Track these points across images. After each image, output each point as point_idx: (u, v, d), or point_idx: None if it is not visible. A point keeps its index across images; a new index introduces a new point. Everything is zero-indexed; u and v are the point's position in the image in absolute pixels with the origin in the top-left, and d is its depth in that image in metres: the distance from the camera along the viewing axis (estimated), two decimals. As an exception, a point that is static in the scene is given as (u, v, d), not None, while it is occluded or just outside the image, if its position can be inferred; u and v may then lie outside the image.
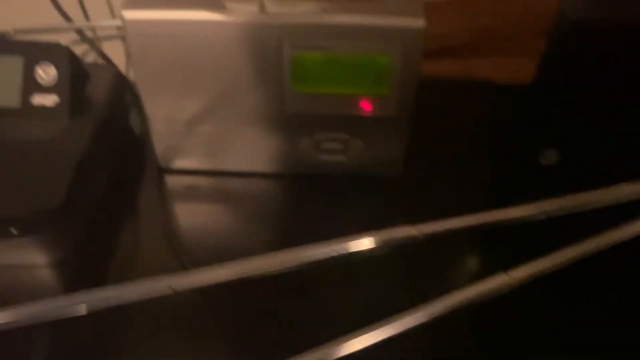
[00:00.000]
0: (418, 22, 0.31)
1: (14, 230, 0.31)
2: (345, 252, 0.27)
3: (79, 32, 0.41)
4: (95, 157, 0.36)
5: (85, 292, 0.26)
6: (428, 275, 0.32)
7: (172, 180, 0.39)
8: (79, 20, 0.45)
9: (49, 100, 0.36)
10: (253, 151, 0.38)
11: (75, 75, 0.36)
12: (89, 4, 0.47)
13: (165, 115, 0.36)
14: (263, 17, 0.32)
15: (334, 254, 0.27)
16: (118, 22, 0.37)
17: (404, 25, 0.31)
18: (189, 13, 0.32)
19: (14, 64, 0.36)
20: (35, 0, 0.43)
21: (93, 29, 0.44)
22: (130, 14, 0.32)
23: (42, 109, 0.36)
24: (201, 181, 0.39)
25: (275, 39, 0.32)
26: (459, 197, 0.37)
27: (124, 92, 0.40)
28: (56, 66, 0.36)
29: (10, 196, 0.32)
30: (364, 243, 0.27)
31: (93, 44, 0.42)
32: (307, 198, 0.38)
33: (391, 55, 0.32)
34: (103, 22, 0.41)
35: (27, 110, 0.36)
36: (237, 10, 0.32)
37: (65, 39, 0.45)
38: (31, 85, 0.36)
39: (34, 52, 0.36)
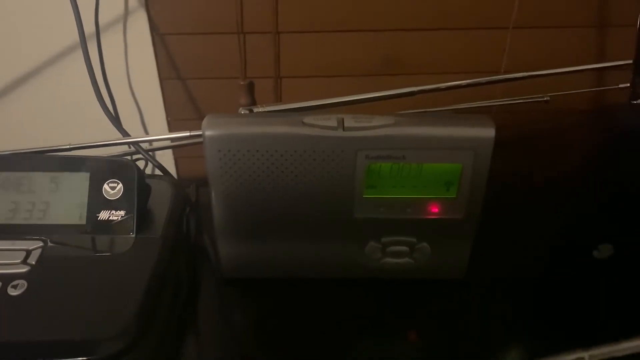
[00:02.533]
0: (489, 132, 0.33)
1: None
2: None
3: (135, 146, 0.42)
4: (163, 273, 0.35)
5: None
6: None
7: (237, 290, 0.39)
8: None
9: (115, 215, 0.36)
10: (318, 258, 0.38)
11: (140, 190, 0.37)
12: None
13: (235, 226, 0.36)
14: (340, 132, 0.33)
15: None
16: (183, 134, 0.38)
17: (477, 135, 0.33)
18: (268, 128, 0.33)
19: (81, 180, 0.36)
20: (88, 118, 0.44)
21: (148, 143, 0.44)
22: (211, 130, 0.33)
23: (108, 224, 0.36)
24: (266, 289, 0.38)
25: (351, 151, 0.33)
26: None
27: (184, 203, 0.40)
28: (123, 182, 0.36)
29: (78, 318, 0.31)
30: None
31: (151, 157, 0.42)
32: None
33: (463, 163, 0.34)
34: (158, 136, 0.41)
35: (93, 226, 0.36)
36: (315, 125, 0.33)
37: (114, 151, 0.45)
38: (98, 201, 0.36)
39: (100, 168, 0.36)
